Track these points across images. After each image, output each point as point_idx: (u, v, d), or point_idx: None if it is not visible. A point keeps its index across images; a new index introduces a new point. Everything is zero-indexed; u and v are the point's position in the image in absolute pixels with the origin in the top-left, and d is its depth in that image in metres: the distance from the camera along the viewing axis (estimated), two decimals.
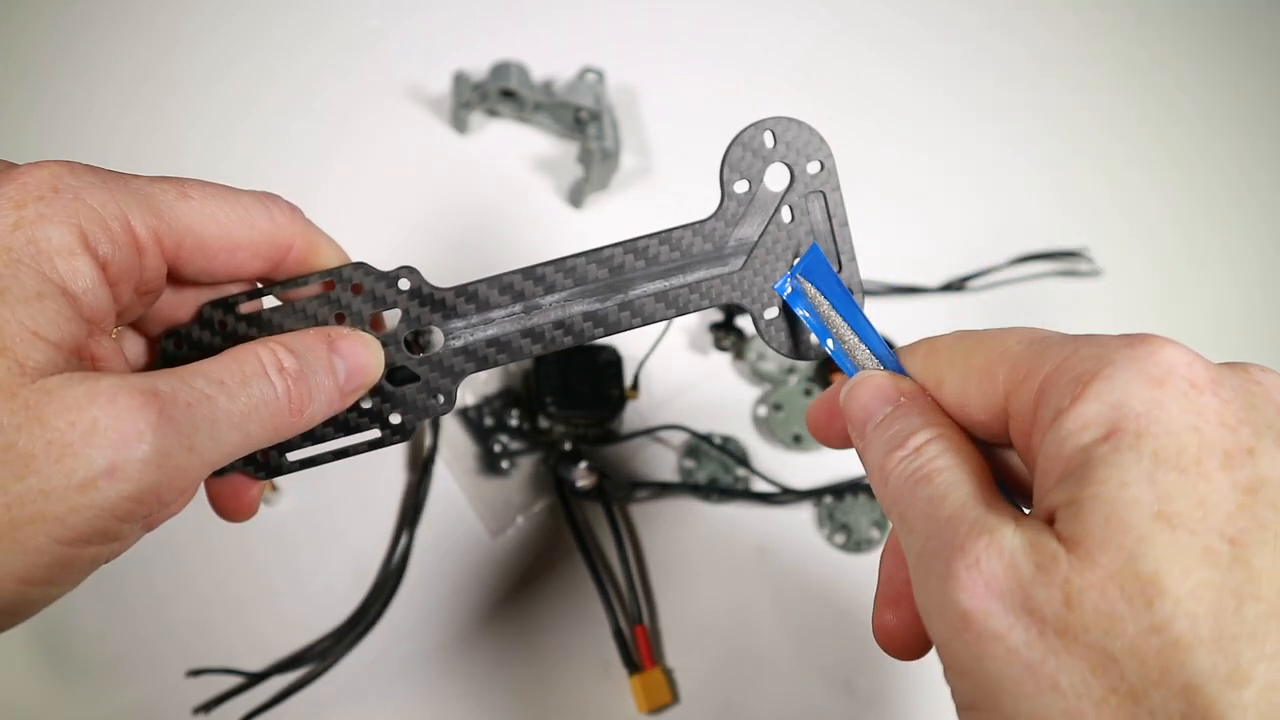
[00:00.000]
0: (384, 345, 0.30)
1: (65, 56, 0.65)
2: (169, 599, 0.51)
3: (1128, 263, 0.67)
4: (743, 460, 0.55)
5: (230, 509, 0.31)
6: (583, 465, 0.52)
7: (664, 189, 0.64)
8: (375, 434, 0.30)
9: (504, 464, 0.54)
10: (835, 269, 0.31)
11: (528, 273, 0.30)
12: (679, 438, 0.56)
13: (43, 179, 0.24)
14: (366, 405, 0.30)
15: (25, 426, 0.21)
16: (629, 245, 0.30)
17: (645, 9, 0.72)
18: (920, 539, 0.23)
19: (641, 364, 0.56)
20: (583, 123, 0.63)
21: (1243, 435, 0.20)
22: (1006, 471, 0.27)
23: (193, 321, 0.29)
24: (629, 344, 0.55)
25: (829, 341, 0.29)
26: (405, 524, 0.52)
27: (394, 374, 0.30)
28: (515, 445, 0.54)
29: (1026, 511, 0.23)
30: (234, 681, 0.48)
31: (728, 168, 0.30)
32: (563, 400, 0.52)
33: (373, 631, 0.50)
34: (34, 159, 0.25)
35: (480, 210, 0.62)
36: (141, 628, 0.50)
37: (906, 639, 0.26)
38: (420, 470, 0.53)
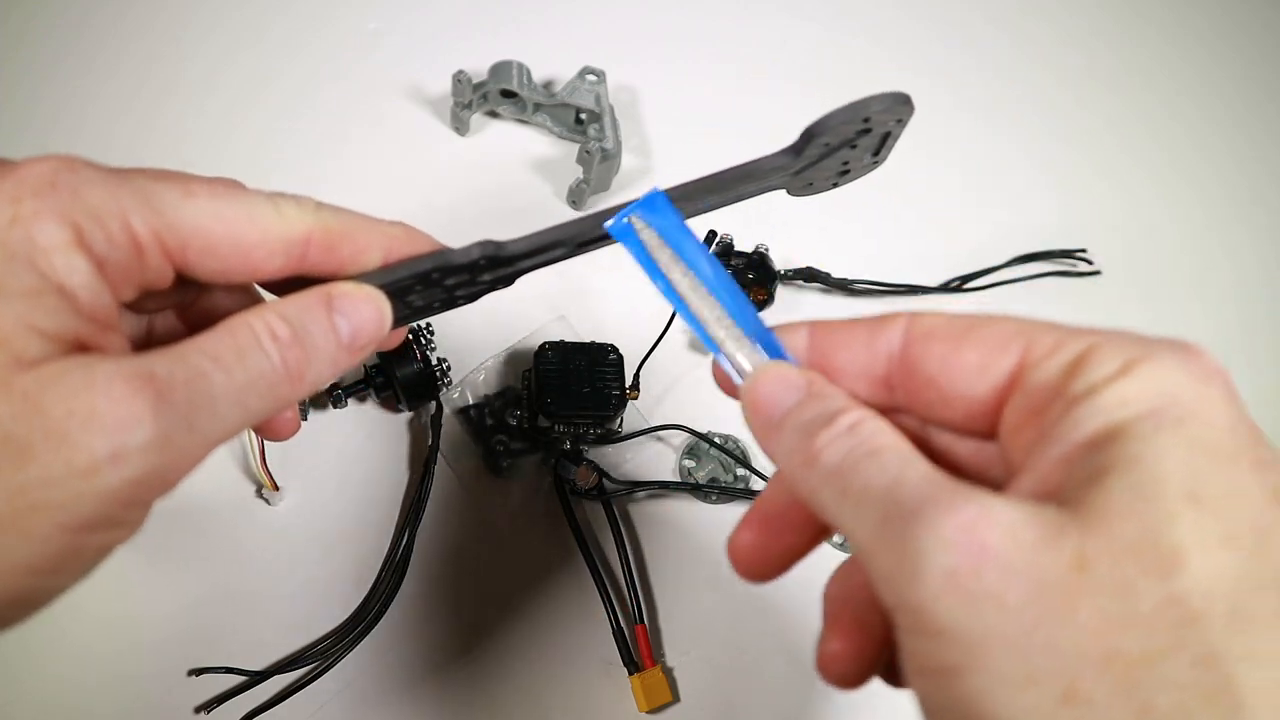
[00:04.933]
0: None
1: (65, 57, 0.65)
2: (170, 598, 0.51)
3: (1128, 263, 0.67)
4: (743, 460, 0.55)
5: (273, 431, 0.31)
6: (583, 465, 0.53)
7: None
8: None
9: (504, 464, 0.54)
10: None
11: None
12: (679, 438, 0.56)
13: (41, 174, 0.24)
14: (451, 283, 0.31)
15: (23, 417, 0.21)
16: (698, 184, 0.30)
17: (645, 9, 0.72)
18: (875, 509, 0.22)
19: (641, 364, 0.56)
20: (583, 124, 0.63)
21: (1264, 448, 0.21)
22: (942, 459, 0.26)
23: None
24: (629, 344, 0.55)
25: (672, 296, 0.28)
26: (406, 523, 0.52)
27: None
28: (515, 445, 0.55)
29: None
30: (235, 680, 0.49)
31: (827, 132, 0.29)
32: (563, 400, 0.52)
33: (373, 631, 0.50)
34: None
35: (480, 212, 0.62)
36: (142, 627, 0.50)
37: (763, 563, 0.27)
38: (421, 469, 0.53)
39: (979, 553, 0.20)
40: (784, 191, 0.32)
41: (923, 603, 0.20)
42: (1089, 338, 0.23)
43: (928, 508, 0.21)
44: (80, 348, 0.23)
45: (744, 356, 0.27)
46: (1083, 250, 0.66)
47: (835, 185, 0.33)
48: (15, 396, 0.21)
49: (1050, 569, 0.19)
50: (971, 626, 0.20)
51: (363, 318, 0.27)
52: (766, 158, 0.30)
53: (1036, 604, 0.19)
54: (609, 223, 0.29)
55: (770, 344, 0.27)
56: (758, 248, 0.59)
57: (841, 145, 0.30)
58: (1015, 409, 0.24)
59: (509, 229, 0.64)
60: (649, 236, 0.29)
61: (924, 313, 0.26)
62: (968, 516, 0.20)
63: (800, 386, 0.26)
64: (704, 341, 0.28)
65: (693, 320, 0.28)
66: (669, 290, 0.28)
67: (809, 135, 0.30)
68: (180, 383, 0.23)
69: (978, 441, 0.26)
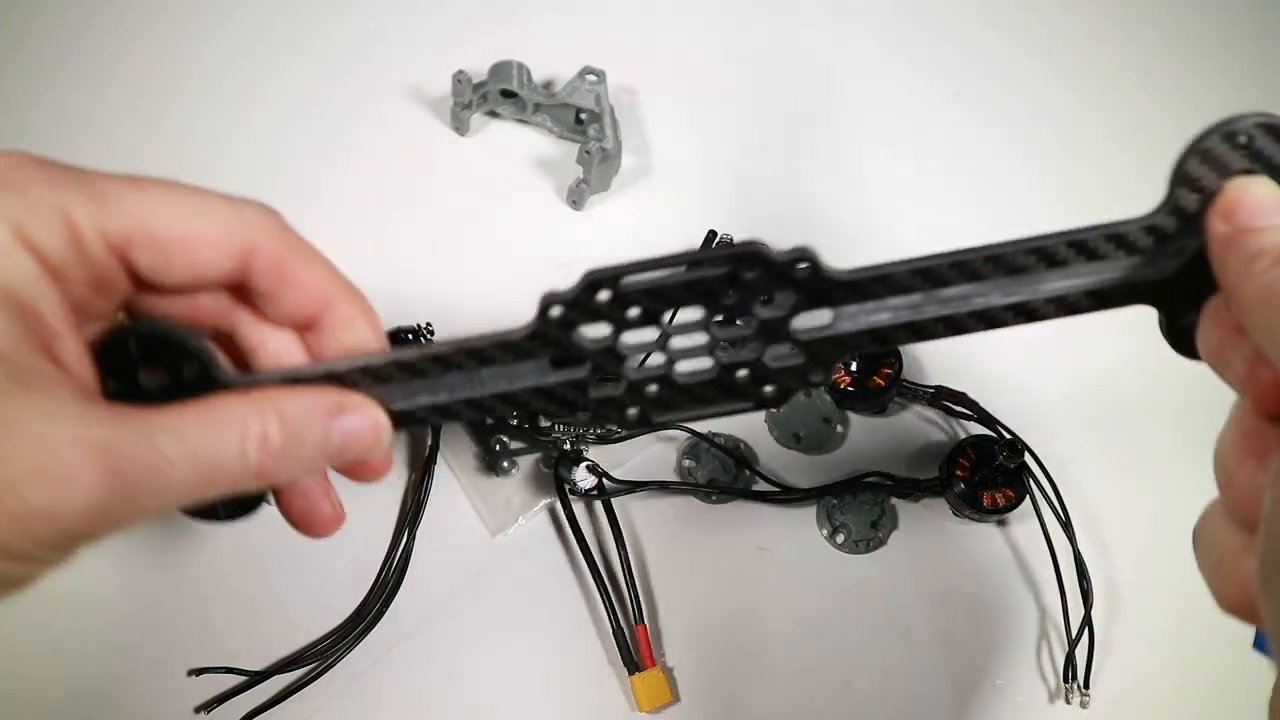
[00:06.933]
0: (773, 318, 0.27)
1: (65, 57, 0.65)
2: (170, 598, 0.51)
3: None
4: (743, 460, 0.55)
5: (361, 475, 0.30)
6: (583, 465, 0.53)
7: (664, 189, 0.64)
8: (748, 404, 0.29)
9: (504, 464, 0.54)
10: None
11: (945, 257, 0.27)
12: (679, 438, 0.56)
13: None
14: (743, 376, 0.29)
15: None
16: (1034, 242, 0.28)
17: (645, 9, 0.72)
18: None
19: (641, 364, 0.56)
20: (583, 123, 0.63)
21: None
22: None
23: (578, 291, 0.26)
24: None
25: None
26: (406, 523, 0.52)
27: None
28: (515, 445, 0.55)
29: None
30: (235, 680, 0.49)
31: (1186, 176, 0.25)
32: None
33: (373, 631, 0.50)
34: None
35: (480, 212, 0.62)
36: (142, 627, 0.50)
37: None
38: (421, 470, 0.53)
39: None
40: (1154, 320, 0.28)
41: None
42: None
43: None
44: (40, 350, 0.23)
45: None
46: None
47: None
48: None
49: None
50: None
51: (359, 441, 0.27)
52: (1122, 222, 0.27)
53: None
54: None
55: None
56: None
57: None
58: None
59: (509, 228, 0.64)
60: None
61: (1251, 186, 0.25)
62: None
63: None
64: None
65: None
66: None
67: (1174, 184, 0.25)
68: (141, 465, 0.22)
69: None
